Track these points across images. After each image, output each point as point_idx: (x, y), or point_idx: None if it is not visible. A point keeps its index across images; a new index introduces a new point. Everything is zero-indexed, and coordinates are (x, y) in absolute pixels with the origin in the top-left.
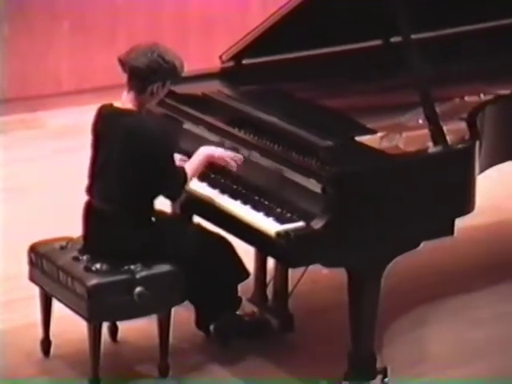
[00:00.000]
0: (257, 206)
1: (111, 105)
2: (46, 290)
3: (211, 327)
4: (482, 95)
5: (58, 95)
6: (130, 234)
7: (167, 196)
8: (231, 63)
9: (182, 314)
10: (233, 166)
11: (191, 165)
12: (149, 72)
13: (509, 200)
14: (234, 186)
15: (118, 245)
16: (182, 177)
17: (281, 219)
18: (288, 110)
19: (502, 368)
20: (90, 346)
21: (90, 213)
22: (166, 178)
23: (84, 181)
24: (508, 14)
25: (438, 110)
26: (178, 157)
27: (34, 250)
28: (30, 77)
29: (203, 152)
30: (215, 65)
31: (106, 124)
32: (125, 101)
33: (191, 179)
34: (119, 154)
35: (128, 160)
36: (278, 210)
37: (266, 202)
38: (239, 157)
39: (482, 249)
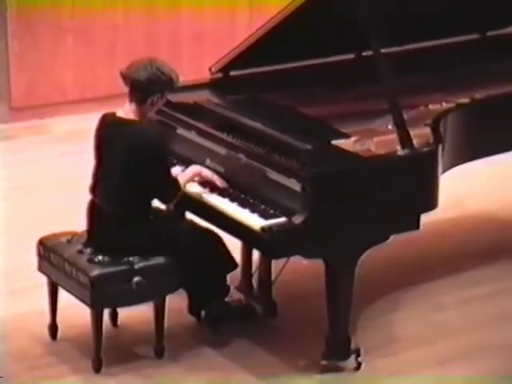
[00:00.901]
0: (243, 204)
1: (114, 114)
2: (53, 279)
3: (202, 313)
4: (444, 104)
5: (63, 104)
6: (130, 232)
7: (161, 200)
8: (220, 74)
9: (176, 301)
10: (217, 183)
11: (183, 176)
12: (149, 84)
13: (469, 197)
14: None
15: (118, 242)
16: (176, 186)
17: (265, 215)
18: (271, 117)
19: (463, 345)
20: (93, 330)
21: (93, 211)
22: (162, 185)
23: (86, 181)
24: (466, 31)
25: (405, 116)
26: (179, 169)
27: (42, 244)
28: (37, 87)
29: (194, 168)
30: (205, 76)
31: (110, 131)
32: (127, 111)
33: (183, 188)
34: (122, 160)
35: (130, 166)
36: (262, 206)
37: (251, 200)
38: (220, 179)
39: (445, 241)
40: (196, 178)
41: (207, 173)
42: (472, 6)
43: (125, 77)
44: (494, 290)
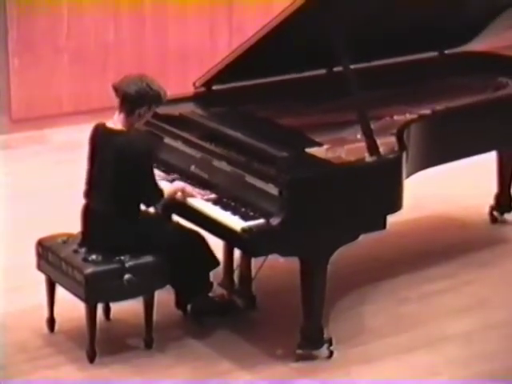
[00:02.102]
0: (225, 207)
1: (104, 124)
2: (51, 277)
3: (188, 307)
4: (407, 115)
5: (59, 116)
6: (120, 233)
7: (145, 204)
8: (203, 89)
9: (164, 297)
10: (198, 197)
11: (169, 188)
12: (138, 97)
13: (429, 200)
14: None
15: (110, 242)
16: (160, 192)
17: (245, 217)
18: (250, 127)
19: (425, 335)
20: (88, 324)
21: (87, 213)
22: (147, 190)
23: (81, 187)
24: (427, 49)
25: (372, 126)
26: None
27: (40, 244)
28: (36, 101)
29: (179, 184)
30: (190, 90)
31: (101, 140)
32: (116, 121)
33: (165, 196)
34: (111, 167)
35: (118, 172)
36: (243, 209)
37: (233, 203)
38: (202, 192)
39: (409, 240)
40: (179, 193)
41: (189, 189)
42: (432, 28)
43: (117, 89)
44: (452, 284)
